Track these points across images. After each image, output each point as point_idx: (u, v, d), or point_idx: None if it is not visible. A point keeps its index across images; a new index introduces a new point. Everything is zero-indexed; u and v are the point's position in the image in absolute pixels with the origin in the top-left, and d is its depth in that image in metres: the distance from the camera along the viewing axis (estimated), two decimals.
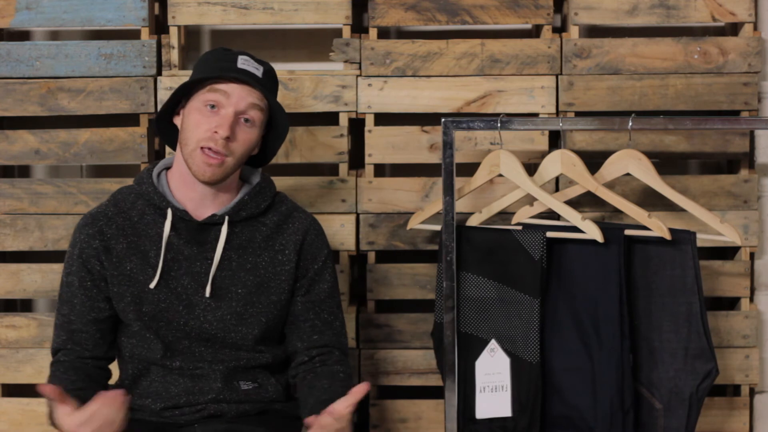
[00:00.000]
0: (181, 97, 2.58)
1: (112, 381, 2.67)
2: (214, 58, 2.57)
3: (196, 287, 2.56)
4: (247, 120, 2.53)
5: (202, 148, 2.50)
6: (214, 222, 2.58)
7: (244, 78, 2.51)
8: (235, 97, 2.51)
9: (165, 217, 2.57)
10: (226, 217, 2.58)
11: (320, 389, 2.55)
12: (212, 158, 2.50)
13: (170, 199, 2.57)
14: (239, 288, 2.58)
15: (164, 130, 2.64)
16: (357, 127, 3.13)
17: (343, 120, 3.07)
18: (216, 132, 2.49)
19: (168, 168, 2.64)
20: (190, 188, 2.57)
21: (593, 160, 2.88)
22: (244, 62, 2.55)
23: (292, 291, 2.63)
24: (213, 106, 2.51)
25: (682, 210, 2.84)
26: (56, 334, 2.61)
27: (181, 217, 2.56)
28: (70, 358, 2.59)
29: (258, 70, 2.56)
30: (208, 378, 2.57)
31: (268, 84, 2.58)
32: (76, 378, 2.55)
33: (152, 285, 2.54)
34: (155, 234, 2.57)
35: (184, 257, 2.56)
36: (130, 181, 2.69)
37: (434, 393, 3.06)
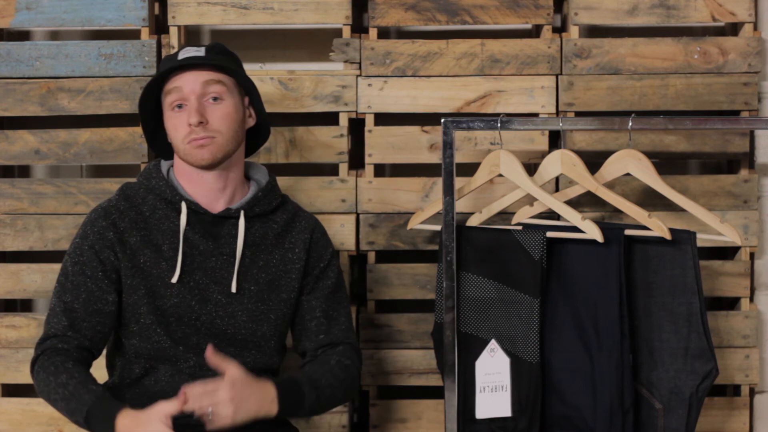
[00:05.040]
0: (156, 115, 2.62)
1: (105, 380, 2.65)
2: (161, 67, 2.62)
3: (208, 283, 2.57)
4: (215, 98, 2.56)
5: (188, 143, 2.54)
6: (229, 215, 2.59)
7: (186, 63, 2.54)
8: (188, 85, 2.54)
9: (178, 212, 2.58)
10: (242, 212, 2.59)
11: (309, 371, 2.59)
12: (199, 141, 2.54)
13: (182, 192, 2.59)
14: (252, 285, 2.60)
15: (159, 149, 2.69)
16: (357, 127, 3.13)
17: (343, 120, 3.07)
18: (189, 124, 2.53)
19: (172, 166, 2.67)
20: (197, 183, 2.59)
21: (593, 160, 2.88)
22: (184, 53, 2.58)
23: (301, 289, 2.65)
24: (180, 106, 2.55)
25: (682, 210, 2.84)
26: (55, 320, 2.53)
27: (195, 210, 2.58)
28: (70, 346, 2.51)
29: (199, 51, 2.58)
30: None
31: (215, 57, 2.59)
32: (84, 373, 2.49)
33: (174, 279, 2.54)
34: (168, 228, 2.57)
35: (198, 252, 2.57)
36: (131, 181, 2.69)
37: (434, 393, 3.06)
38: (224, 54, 2.62)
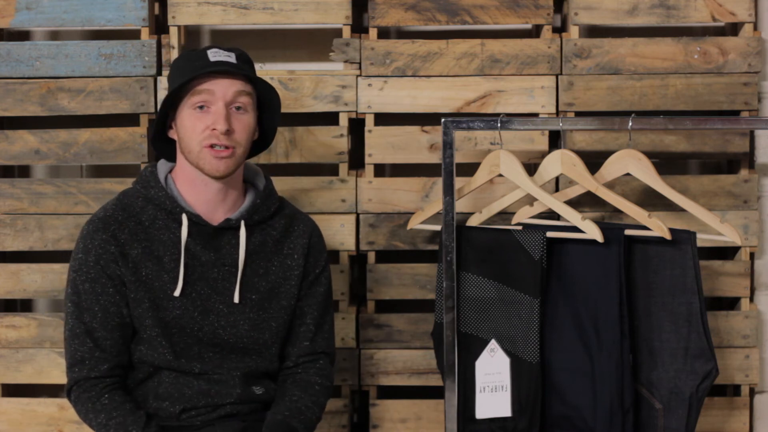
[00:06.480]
0: (168, 110, 2.57)
1: None
2: (185, 62, 2.56)
3: (209, 293, 2.56)
4: (239, 108, 2.53)
5: (206, 147, 2.50)
6: (229, 226, 2.57)
7: (221, 69, 2.51)
8: (220, 90, 2.51)
9: (178, 222, 2.55)
10: (242, 222, 2.58)
11: (289, 398, 2.60)
12: (221, 151, 2.50)
13: (182, 203, 2.56)
14: (253, 294, 2.59)
15: (159, 146, 2.63)
16: (357, 127, 3.13)
17: (343, 120, 3.07)
18: (214, 129, 2.49)
19: (170, 171, 2.63)
20: (200, 191, 2.57)
21: (593, 160, 2.88)
22: (215, 54, 2.53)
23: (299, 295, 2.65)
24: (202, 107, 2.51)
25: (682, 210, 2.84)
26: (77, 342, 2.52)
27: (196, 221, 2.55)
28: (100, 371, 2.51)
29: (231, 57, 2.54)
30: (227, 383, 2.58)
31: (244, 67, 2.56)
32: (121, 408, 2.52)
33: (177, 293, 2.53)
34: (168, 239, 2.55)
35: (200, 263, 2.56)
36: (129, 181, 2.68)
37: (434, 393, 3.06)
38: (249, 63, 2.60)
